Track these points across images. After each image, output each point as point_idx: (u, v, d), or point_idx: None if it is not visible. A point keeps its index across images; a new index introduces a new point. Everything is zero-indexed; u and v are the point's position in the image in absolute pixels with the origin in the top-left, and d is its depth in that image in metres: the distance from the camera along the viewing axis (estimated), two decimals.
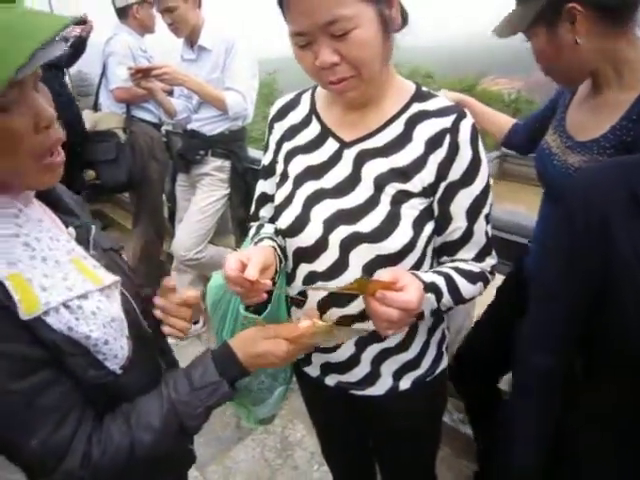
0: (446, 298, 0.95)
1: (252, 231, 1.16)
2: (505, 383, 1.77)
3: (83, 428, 0.70)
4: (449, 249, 1.01)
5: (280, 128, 1.07)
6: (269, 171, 1.11)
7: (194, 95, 2.50)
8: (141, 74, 2.26)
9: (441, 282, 0.94)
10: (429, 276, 0.93)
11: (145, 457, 0.75)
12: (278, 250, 1.05)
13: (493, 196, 0.99)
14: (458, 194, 0.94)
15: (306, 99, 1.07)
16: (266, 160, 1.13)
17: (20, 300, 0.63)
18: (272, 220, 1.15)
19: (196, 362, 0.84)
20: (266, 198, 1.15)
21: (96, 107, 2.88)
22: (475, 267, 1.01)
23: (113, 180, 2.64)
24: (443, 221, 0.97)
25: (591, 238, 0.74)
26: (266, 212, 1.17)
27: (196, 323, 2.84)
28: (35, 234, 0.70)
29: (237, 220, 2.84)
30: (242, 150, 2.72)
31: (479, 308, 1.66)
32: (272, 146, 1.10)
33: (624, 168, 0.74)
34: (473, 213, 0.96)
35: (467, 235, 0.98)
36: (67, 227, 0.81)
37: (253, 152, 2.87)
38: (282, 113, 1.08)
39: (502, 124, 1.64)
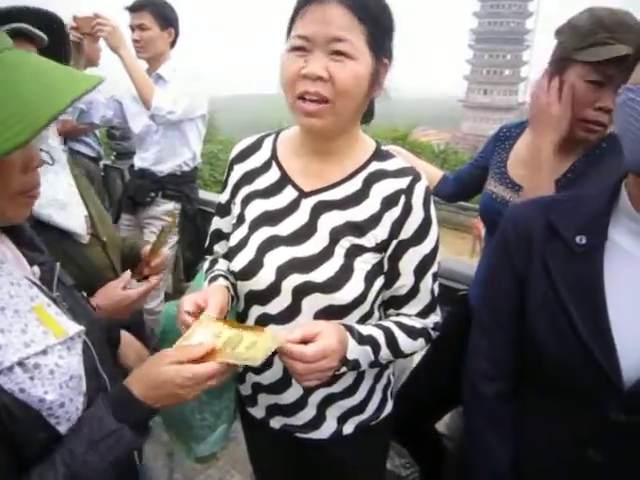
0: (384, 352, 0.97)
1: (206, 264, 1.17)
2: (443, 426, 1.82)
3: None
4: (395, 303, 1.05)
5: (240, 170, 1.08)
6: (225, 210, 1.12)
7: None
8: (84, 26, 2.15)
9: (379, 335, 0.97)
10: (367, 329, 0.96)
11: None
12: (231, 290, 1.05)
13: None
14: (407, 252, 0.98)
15: (268, 144, 1.08)
16: (223, 198, 1.13)
17: None
18: (225, 256, 1.16)
19: (89, 412, 0.71)
20: (221, 235, 1.16)
21: None
22: (418, 323, 1.04)
23: None
24: (392, 276, 1.00)
25: (519, 254, 0.88)
26: (220, 248, 1.18)
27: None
28: None
29: (185, 263, 2.75)
30: (193, 192, 2.67)
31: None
32: (230, 186, 1.10)
33: (543, 203, 0.91)
34: (420, 271, 1.00)
35: (413, 292, 1.02)
36: (31, 265, 0.76)
37: (203, 193, 2.85)
38: (243, 155, 1.09)
39: (431, 174, 1.81)
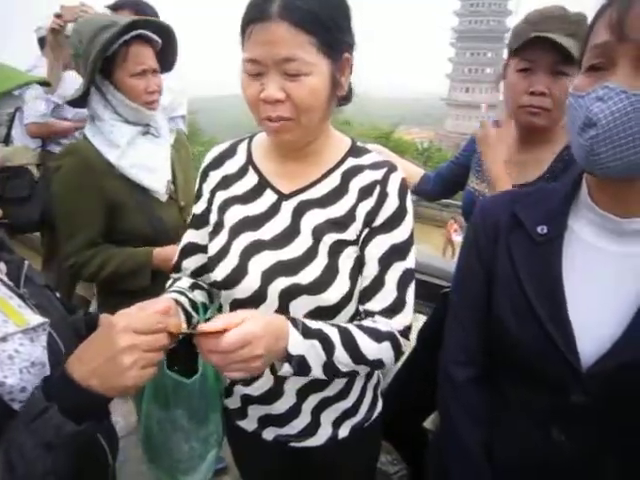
0: (340, 352, 0.89)
1: (168, 283, 1.12)
2: (430, 422, 1.84)
3: None
4: (362, 296, 0.99)
5: (215, 176, 1.05)
6: (203, 220, 1.07)
7: None
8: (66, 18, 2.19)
9: (332, 332, 0.90)
10: (317, 324, 0.90)
11: None
12: (186, 304, 0.99)
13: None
14: (375, 239, 0.95)
15: (242, 149, 1.06)
16: (198, 209, 1.08)
17: None
18: (196, 272, 1.11)
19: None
20: (195, 248, 1.10)
21: (7, 141, 2.71)
22: (382, 325, 0.96)
23: (24, 219, 2.47)
24: (361, 265, 0.97)
25: (487, 244, 0.91)
26: (193, 263, 1.11)
27: None
28: None
29: None
30: None
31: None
32: (206, 195, 1.06)
33: (509, 196, 0.95)
34: (386, 261, 0.96)
35: (376, 284, 0.96)
36: None
37: None
38: (218, 161, 1.06)
39: (412, 173, 1.83)
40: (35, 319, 0.73)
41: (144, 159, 1.52)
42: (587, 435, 0.80)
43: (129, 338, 0.66)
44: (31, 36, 2.93)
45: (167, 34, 1.53)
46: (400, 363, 1.74)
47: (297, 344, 0.84)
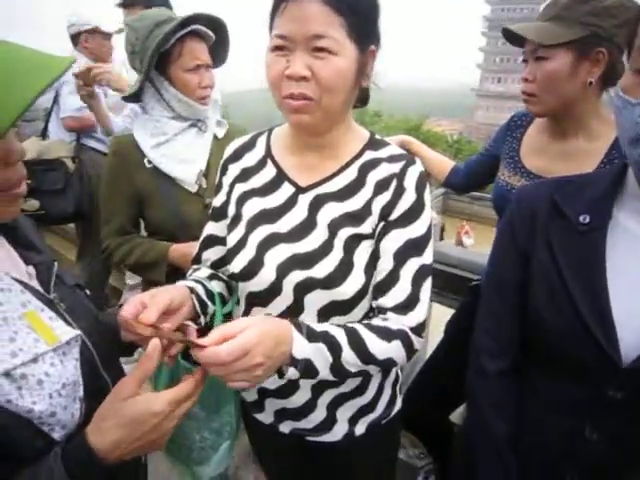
0: (348, 353, 0.86)
1: (188, 273, 1.13)
2: (456, 416, 1.82)
3: None
4: (375, 291, 0.96)
5: (235, 169, 1.05)
6: (222, 213, 1.08)
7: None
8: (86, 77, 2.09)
9: (339, 333, 0.87)
10: (322, 326, 0.88)
11: None
12: (202, 293, 1.00)
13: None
14: (391, 232, 0.94)
15: (262, 142, 1.06)
16: (218, 201, 1.09)
17: None
18: (216, 264, 1.12)
19: (46, 465, 0.63)
20: (215, 240, 1.11)
21: (44, 134, 2.80)
22: (393, 323, 0.93)
23: (59, 211, 2.55)
24: (376, 260, 0.96)
25: (523, 232, 0.90)
26: (212, 254, 1.12)
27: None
28: None
29: None
30: None
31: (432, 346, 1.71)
32: (225, 187, 1.07)
33: (549, 184, 0.92)
34: (402, 256, 0.93)
35: (391, 279, 0.94)
36: (27, 265, 0.75)
37: None
38: (237, 154, 1.06)
39: (442, 165, 1.80)
40: (67, 333, 0.70)
41: (180, 151, 1.53)
42: (621, 431, 0.79)
43: (174, 421, 0.69)
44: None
45: (220, 29, 1.55)
46: (427, 356, 1.73)
47: (302, 348, 0.82)
